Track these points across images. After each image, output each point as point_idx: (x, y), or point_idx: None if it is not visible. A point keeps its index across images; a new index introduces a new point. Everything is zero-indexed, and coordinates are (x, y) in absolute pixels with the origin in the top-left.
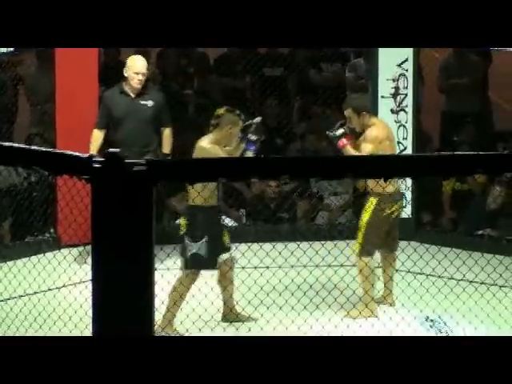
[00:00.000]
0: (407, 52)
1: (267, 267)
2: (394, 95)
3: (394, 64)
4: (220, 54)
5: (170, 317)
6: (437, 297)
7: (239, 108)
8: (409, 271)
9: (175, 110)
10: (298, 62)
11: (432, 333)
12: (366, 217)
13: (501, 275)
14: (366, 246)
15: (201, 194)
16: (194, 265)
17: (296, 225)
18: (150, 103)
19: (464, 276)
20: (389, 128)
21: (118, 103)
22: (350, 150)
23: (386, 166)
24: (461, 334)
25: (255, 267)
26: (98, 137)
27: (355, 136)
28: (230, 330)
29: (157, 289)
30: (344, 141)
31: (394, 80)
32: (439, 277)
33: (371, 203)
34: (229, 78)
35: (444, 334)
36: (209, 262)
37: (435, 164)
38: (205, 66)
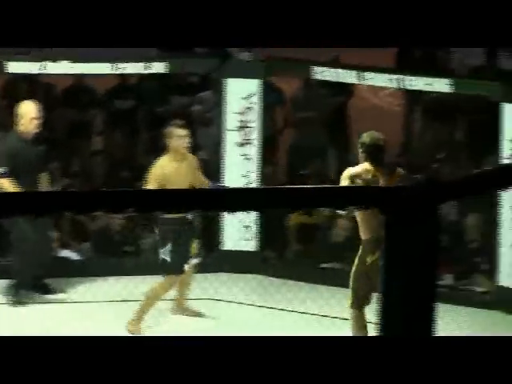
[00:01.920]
0: (254, 85)
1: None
2: (241, 128)
3: (241, 97)
4: (68, 84)
5: (139, 315)
6: (280, 330)
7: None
8: (253, 304)
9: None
10: (147, 95)
11: None
12: (353, 266)
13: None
14: (354, 298)
15: None
16: (161, 268)
17: (141, 258)
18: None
19: (308, 309)
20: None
21: (22, 152)
22: None
23: (231, 198)
24: None
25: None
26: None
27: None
28: None
29: None
30: None
31: (240, 113)
32: (281, 309)
33: (359, 251)
34: (76, 110)
35: None
36: (173, 267)
37: (279, 197)
38: (52, 98)
